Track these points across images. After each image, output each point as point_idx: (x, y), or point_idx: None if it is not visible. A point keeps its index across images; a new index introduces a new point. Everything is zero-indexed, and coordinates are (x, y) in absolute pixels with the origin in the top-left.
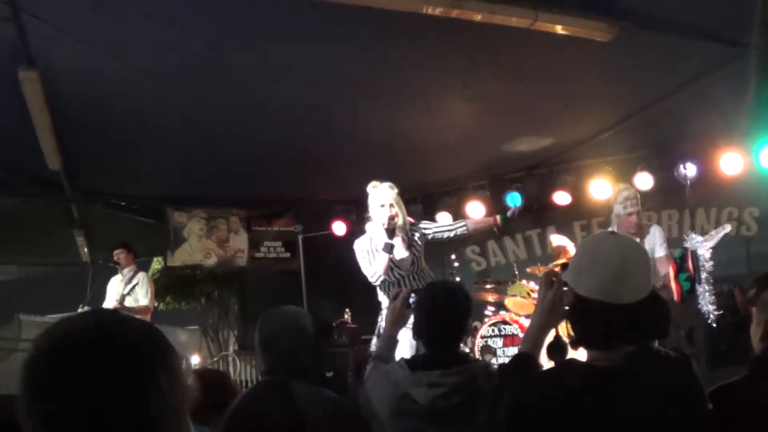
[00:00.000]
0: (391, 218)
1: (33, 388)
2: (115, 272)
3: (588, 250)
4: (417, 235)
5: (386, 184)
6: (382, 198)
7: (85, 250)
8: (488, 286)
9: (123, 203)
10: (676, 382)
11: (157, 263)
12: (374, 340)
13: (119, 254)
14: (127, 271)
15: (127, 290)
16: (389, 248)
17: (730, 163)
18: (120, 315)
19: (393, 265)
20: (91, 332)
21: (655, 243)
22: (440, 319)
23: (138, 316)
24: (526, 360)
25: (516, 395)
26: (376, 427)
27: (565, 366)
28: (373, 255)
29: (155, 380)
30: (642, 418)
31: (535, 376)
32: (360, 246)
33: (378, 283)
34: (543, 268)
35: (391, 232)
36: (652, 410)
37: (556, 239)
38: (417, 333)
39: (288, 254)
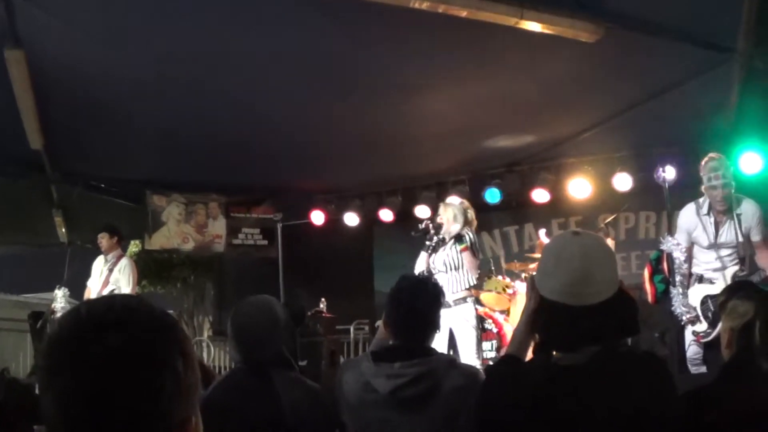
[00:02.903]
0: (426, 224)
1: (53, 362)
2: (94, 254)
3: (552, 252)
4: (458, 242)
5: (458, 202)
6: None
7: (63, 230)
8: None
9: (103, 185)
10: (643, 382)
11: (134, 246)
12: None
13: (101, 238)
14: (111, 257)
15: (108, 291)
16: (425, 248)
17: None
18: (143, 301)
19: (429, 265)
20: (114, 313)
21: (751, 225)
22: (406, 312)
23: None
24: (511, 362)
25: (484, 393)
26: (349, 414)
27: (530, 363)
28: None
29: (171, 363)
30: (605, 416)
31: (501, 374)
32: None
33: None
34: (519, 264)
35: (424, 233)
36: (615, 408)
37: (544, 238)
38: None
39: (266, 242)
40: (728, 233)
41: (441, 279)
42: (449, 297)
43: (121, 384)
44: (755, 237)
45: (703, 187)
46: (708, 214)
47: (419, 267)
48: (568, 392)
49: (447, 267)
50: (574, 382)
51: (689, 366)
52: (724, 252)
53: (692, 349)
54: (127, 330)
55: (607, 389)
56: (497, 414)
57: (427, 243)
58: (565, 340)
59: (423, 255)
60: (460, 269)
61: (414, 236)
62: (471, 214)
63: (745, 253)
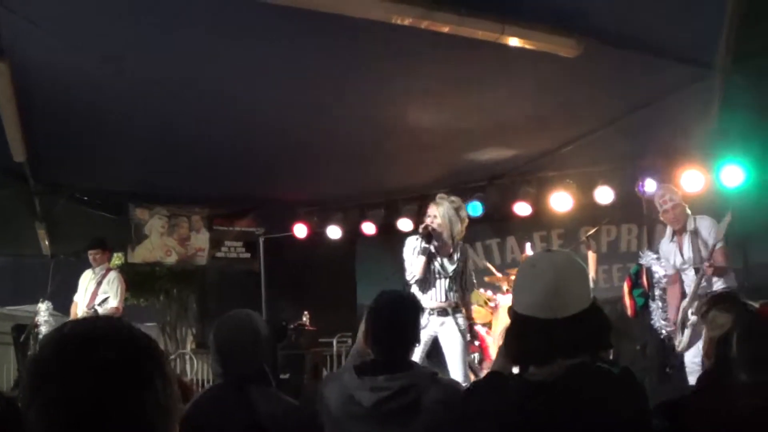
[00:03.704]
0: (426, 227)
1: (37, 377)
2: (78, 266)
3: (525, 269)
4: (463, 249)
5: (448, 200)
6: (432, 209)
7: (47, 243)
8: None
9: (86, 197)
10: (615, 398)
11: (117, 259)
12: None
13: (95, 254)
14: (99, 270)
15: (99, 301)
16: (425, 251)
17: (691, 180)
18: (124, 321)
19: (434, 269)
20: (98, 330)
21: (708, 238)
22: (387, 326)
23: None
24: (492, 378)
25: (462, 409)
26: (330, 428)
27: (503, 380)
28: (415, 256)
29: (152, 382)
30: None
31: (478, 390)
32: (409, 244)
33: (413, 282)
34: (502, 277)
35: (425, 237)
36: (587, 425)
37: (530, 251)
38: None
39: (248, 255)
40: (688, 249)
41: (441, 284)
42: (444, 303)
43: (105, 399)
44: (716, 246)
45: (660, 216)
46: (672, 239)
47: (414, 271)
48: (540, 408)
49: (455, 273)
50: (546, 398)
51: (688, 372)
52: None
53: (692, 352)
54: (111, 346)
55: (577, 406)
56: (472, 427)
57: (425, 246)
58: (538, 354)
59: (420, 259)
60: (462, 277)
61: (418, 238)
62: (464, 213)
63: (700, 263)
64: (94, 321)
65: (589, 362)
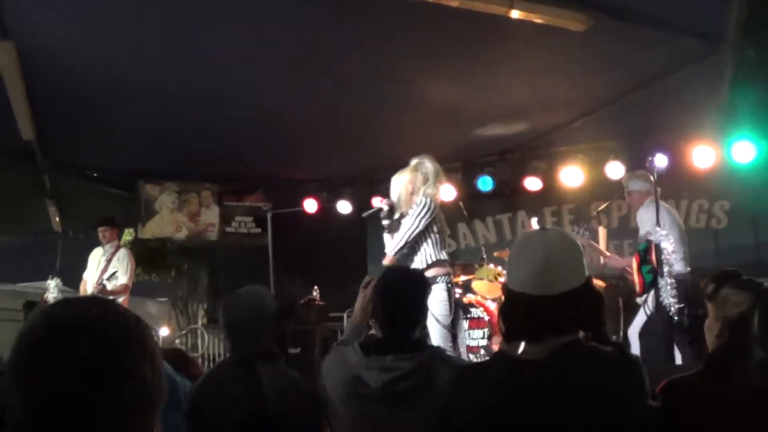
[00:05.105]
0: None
1: (21, 364)
2: (87, 243)
3: (518, 246)
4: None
5: (411, 166)
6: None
7: (57, 220)
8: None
9: (96, 174)
10: (605, 379)
11: (128, 235)
12: None
13: (104, 231)
14: (108, 247)
15: (108, 275)
16: (387, 229)
17: (702, 156)
18: (116, 308)
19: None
20: (85, 320)
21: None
22: (394, 304)
23: (118, 298)
24: (493, 358)
25: (450, 387)
26: (330, 410)
27: (493, 358)
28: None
29: (138, 373)
30: (563, 413)
31: (467, 368)
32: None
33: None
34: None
35: (385, 214)
36: (572, 405)
37: (536, 226)
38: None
39: (259, 230)
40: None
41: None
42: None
43: (86, 392)
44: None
45: None
46: None
47: (388, 247)
48: (523, 387)
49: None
50: (531, 376)
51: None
52: None
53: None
54: (96, 338)
55: (561, 384)
56: (463, 410)
57: (384, 223)
58: (527, 330)
59: (386, 237)
60: (423, 243)
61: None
62: (426, 170)
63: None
64: (84, 308)
65: (580, 340)
